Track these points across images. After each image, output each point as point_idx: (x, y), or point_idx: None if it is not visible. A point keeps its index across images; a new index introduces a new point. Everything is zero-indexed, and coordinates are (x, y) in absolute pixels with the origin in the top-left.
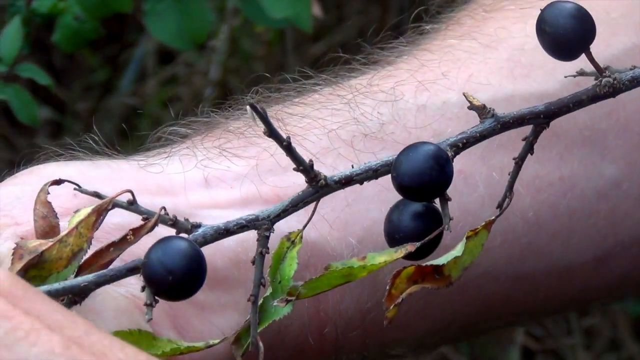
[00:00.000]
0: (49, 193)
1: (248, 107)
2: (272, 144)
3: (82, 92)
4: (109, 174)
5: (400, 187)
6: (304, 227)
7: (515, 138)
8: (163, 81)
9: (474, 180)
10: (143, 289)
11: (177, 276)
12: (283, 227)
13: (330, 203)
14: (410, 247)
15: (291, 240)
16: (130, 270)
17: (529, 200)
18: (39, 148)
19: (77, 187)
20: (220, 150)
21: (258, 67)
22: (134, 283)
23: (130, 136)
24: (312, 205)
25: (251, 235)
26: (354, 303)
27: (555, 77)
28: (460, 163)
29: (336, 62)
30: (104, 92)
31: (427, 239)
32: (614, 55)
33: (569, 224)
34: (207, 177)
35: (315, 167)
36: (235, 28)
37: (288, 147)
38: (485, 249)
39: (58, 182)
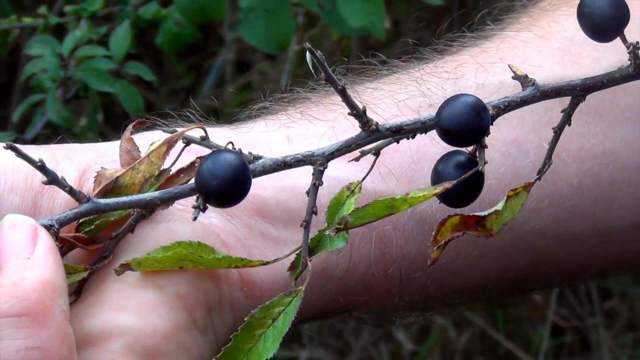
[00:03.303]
0: (132, 132)
1: (307, 53)
2: (347, 109)
3: (168, 95)
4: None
5: (441, 130)
6: (364, 178)
7: None
8: (239, 87)
9: (526, 149)
10: (197, 199)
11: (221, 182)
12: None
13: (398, 160)
14: (447, 184)
15: (351, 190)
16: (193, 190)
17: (574, 168)
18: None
19: (161, 127)
20: (302, 115)
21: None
22: (213, 216)
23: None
24: (372, 159)
25: (324, 185)
26: (416, 248)
27: (600, 64)
28: (514, 133)
29: (407, 54)
30: (188, 96)
31: (462, 177)
32: None
33: (610, 191)
34: (289, 135)
35: None
36: (313, 36)
37: (343, 92)
38: (534, 210)
39: (143, 122)
